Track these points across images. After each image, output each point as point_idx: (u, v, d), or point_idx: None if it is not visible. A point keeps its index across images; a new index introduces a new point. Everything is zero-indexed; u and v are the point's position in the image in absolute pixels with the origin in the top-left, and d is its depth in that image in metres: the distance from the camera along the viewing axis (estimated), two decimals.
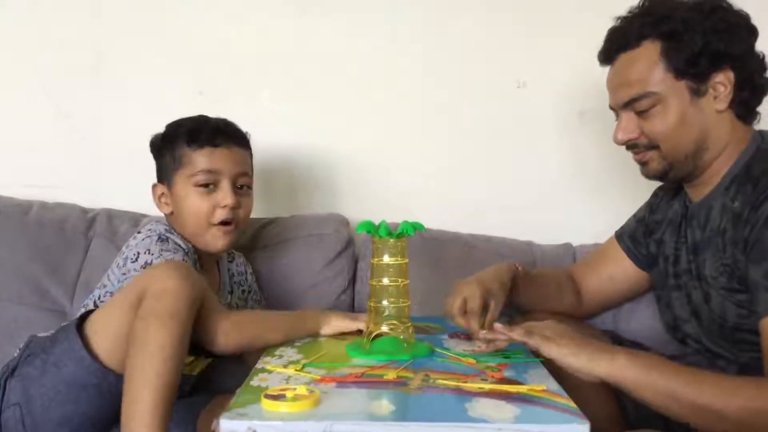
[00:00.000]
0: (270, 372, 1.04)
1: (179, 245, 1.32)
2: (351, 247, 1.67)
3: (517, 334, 1.07)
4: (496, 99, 1.82)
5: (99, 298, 1.32)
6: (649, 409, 1.26)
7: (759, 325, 1.06)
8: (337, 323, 1.28)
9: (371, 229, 1.18)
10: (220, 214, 1.36)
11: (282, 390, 0.91)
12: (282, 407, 0.87)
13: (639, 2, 1.23)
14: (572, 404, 0.91)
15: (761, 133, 1.21)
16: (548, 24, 1.79)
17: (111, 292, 1.30)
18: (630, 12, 1.23)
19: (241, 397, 0.93)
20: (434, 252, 1.63)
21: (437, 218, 1.72)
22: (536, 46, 1.80)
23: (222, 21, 1.80)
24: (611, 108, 1.27)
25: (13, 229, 1.60)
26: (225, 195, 1.36)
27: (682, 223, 1.28)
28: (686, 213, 1.27)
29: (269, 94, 1.80)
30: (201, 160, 1.36)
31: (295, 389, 0.91)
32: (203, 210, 1.36)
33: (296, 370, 1.04)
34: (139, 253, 1.28)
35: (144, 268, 1.25)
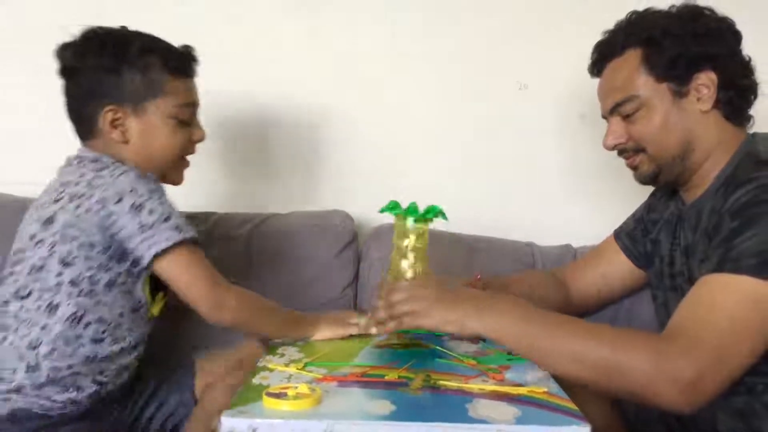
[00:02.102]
0: (271, 370, 1.05)
1: (156, 180, 1.20)
2: (356, 241, 1.67)
3: (389, 327, 1.11)
4: (497, 100, 1.82)
5: (70, 255, 1.17)
6: (650, 412, 1.27)
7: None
8: (328, 332, 1.25)
9: (397, 208, 1.21)
10: (193, 150, 1.31)
11: (283, 388, 0.92)
12: (283, 406, 0.88)
13: (625, 16, 1.26)
14: (573, 406, 0.91)
15: (754, 135, 1.22)
16: (549, 26, 1.80)
17: (91, 243, 1.16)
18: (615, 25, 1.26)
19: (242, 395, 0.93)
20: (435, 253, 1.61)
21: (437, 219, 1.73)
22: (537, 48, 1.80)
23: (222, 21, 1.80)
24: (603, 117, 1.29)
25: (9, 225, 1.58)
26: (200, 130, 1.30)
27: (677, 225, 1.29)
28: (680, 215, 1.28)
29: (270, 95, 1.80)
30: (184, 91, 1.26)
31: (296, 388, 0.92)
32: (178, 145, 1.26)
33: (298, 369, 1.05)
34: (122, 193, 1.15)
35: (135, 209, 1.14)
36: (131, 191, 1.15)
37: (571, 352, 1.01)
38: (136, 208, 1.15)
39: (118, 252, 1.18)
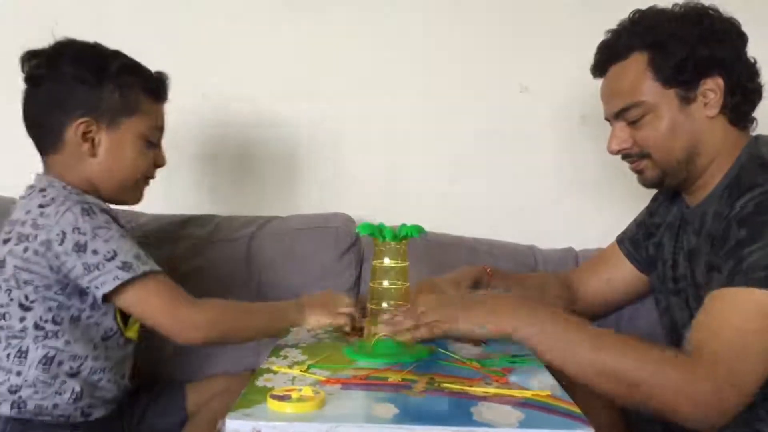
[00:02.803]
0: (275, 372, 1.05)
1: (105, 211, 1.18)
2: (358, 243, 1.66)
3: (419, 333, 1.09)
4: (498, 103, 1.82)
5: (27, 299, 1.16)
6: (650, 414, 1.27)
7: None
8: (315, 322, 1.23)
9: (374, 231, 1.18)
10: (153, 174, 1.30)
11: (287, 391, 0.91)
12: (287, 408, 0.87)
13: (628, 15, 1.25)
14: (577, 410, 0.91)
15: (757, 137, 1.21)
16: (550, 27, 1.80)
17: (46, 285, 1.15)
18: (619, 25, 1.25)
19: (246, 397, 0.93)
20: (437, 256, 1.63)
21: (439, 221, 1.73)
22: (538, 50, 1.81)
23: (222, 21, 1.80)
24: (606, 119, 1.28)
25: None
26: (163, 155, 1.30)
27: (679, 228, 1.29)
28: (683, 218, 1.28)
29: (269, 96, 1.80)
30: (158, 114, 1.28)
31: (300, 390, 0.91)
32: (143, 166, 1.26)
33: (301, 371, 1.04)
34: (64, 233, 1.12)
35: (78, 251, 1.12)
36: (74, 230, 1.13)
37: (599, 365, 1.02)
38: (80, 248, 1.12)
39: (76, 290, 1.17)
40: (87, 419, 1.21)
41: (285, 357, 1.14)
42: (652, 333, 1.44)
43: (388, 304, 1.17)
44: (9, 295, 1.17)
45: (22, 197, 1.23)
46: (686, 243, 1.26)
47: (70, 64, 1.20)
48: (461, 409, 0.91)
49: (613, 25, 1.26)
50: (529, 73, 1.82)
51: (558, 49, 1.79)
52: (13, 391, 1.15)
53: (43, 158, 1.25)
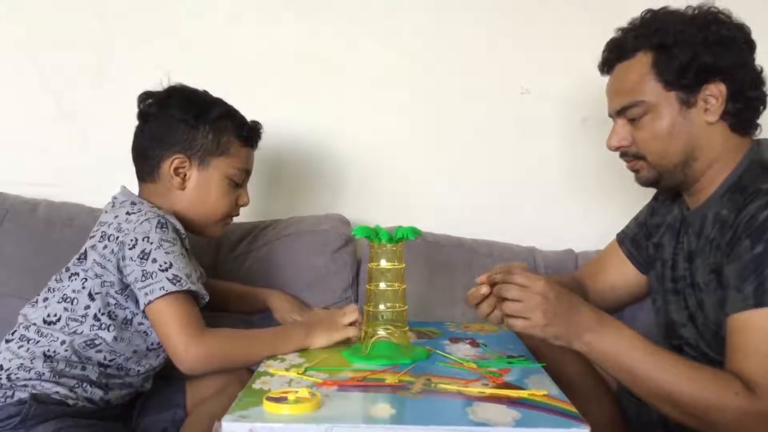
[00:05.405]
0: (272, 375, 1.05)
1: (178, 231, 1.28)
2: (351, 244, 1.66)
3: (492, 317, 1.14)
4: (499, 104, 1.82)
5: (94, 290, 1.25)
6: (649, 414, 1.27)
7: (726, 322, 1.09)
8: (324, 339, 1.23)
9: (369, 233, 1.19)
10: (236, 211, 1.41)
11: (284, 393, 0.92)
12: (283, 410, 0.88)
13: (640, 14, 1.25)
14: (572, 409, 0.91)
15: (759, 142, 1.21)
16: (552, 29, 1.80)
17: (111, 282, 1.25)
18: (629, 23, 1.25)
19: (243, 399, 0.93)
20: (436, 257, 1.63)
21: (439, 223, 1.73)
22: (539, 52, 1.81)
23: (223, 21, 1.81)
24: (609, 115, 1.28)
25: (22, 225, 1.61)
26: (246, 196, 1.41)
27: (680, 229, 1.29)
28: (683, 220, 1.28)
29: (269, 96, 1.80)
30: (245, 158, 1.39)
31: (296, 392, 0.92)
32: (226, 204, 1.37)
33: (298, 374, 1.05)
34: (137, 240, 1.22)
35: (142, 258, 1.21)
36: (144, 239, 1.23)
37: (666, 395, 1.06)
38: (144, 256, 1.21)
39: (133, 295, 1.25)
40: (96, 404, 1.25)
41: (282, 360, 1.15)
42: (653, 335, 1.43)
43: (385, 306, 1.17)
44: (83, 284, 1.27)
45: (113, 205, 1.33)
46: (687, 244, 1.26)
47: (176, 107, 1.34)
48: (458, 409, 0.91)
49: (614, 27, 1.26)
50: (530, 75, 1.82)
51: (559, 50, 1.79)
52: (47, 355, 1.23)
53: (139, 184, 1.38)
